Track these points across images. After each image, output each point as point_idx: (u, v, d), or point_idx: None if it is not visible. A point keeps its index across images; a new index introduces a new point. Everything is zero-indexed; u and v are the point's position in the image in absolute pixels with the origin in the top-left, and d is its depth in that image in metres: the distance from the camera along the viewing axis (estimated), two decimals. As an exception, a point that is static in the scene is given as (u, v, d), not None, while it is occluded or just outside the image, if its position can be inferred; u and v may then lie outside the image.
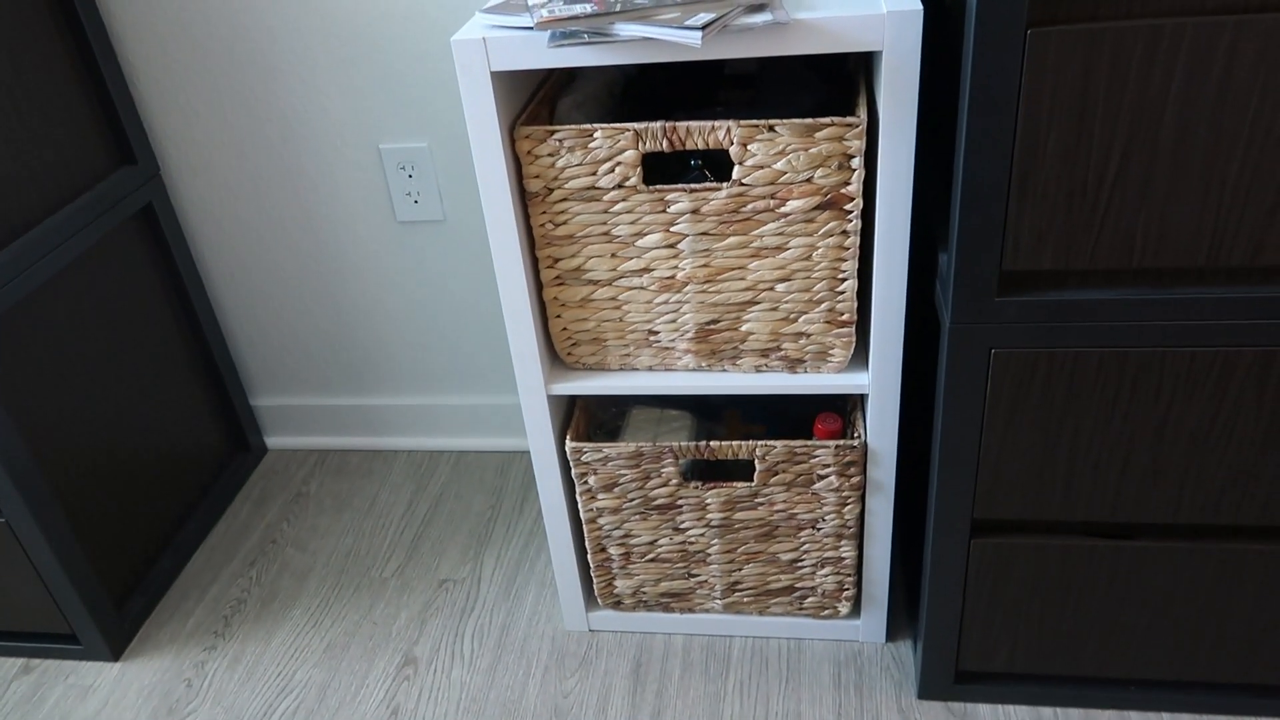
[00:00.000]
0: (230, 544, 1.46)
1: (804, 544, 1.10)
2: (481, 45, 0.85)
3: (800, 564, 1.12)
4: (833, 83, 0.98)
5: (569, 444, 1.07)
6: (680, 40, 0.78)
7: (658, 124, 0.88)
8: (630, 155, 0.89)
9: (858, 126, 0.85)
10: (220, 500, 1.52)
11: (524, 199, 0.95)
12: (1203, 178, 0.74)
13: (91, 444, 1.27)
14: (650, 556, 1.15)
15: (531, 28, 0.83)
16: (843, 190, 0.88)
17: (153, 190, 1.36)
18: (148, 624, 1.34)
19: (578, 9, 0.81)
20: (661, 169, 0.93)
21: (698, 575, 1.16)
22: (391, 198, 1.39)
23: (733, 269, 0.95)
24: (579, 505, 1.12)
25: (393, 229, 1.42)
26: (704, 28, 0.77)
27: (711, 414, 1.18)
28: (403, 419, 1.60)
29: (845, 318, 0.96)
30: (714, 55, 0.81)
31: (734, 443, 1.03)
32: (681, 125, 0.87)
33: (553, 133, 0.90)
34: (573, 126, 0.89)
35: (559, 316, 1.01)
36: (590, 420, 1.15)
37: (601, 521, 1.13)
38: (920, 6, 0.78)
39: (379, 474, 1.58)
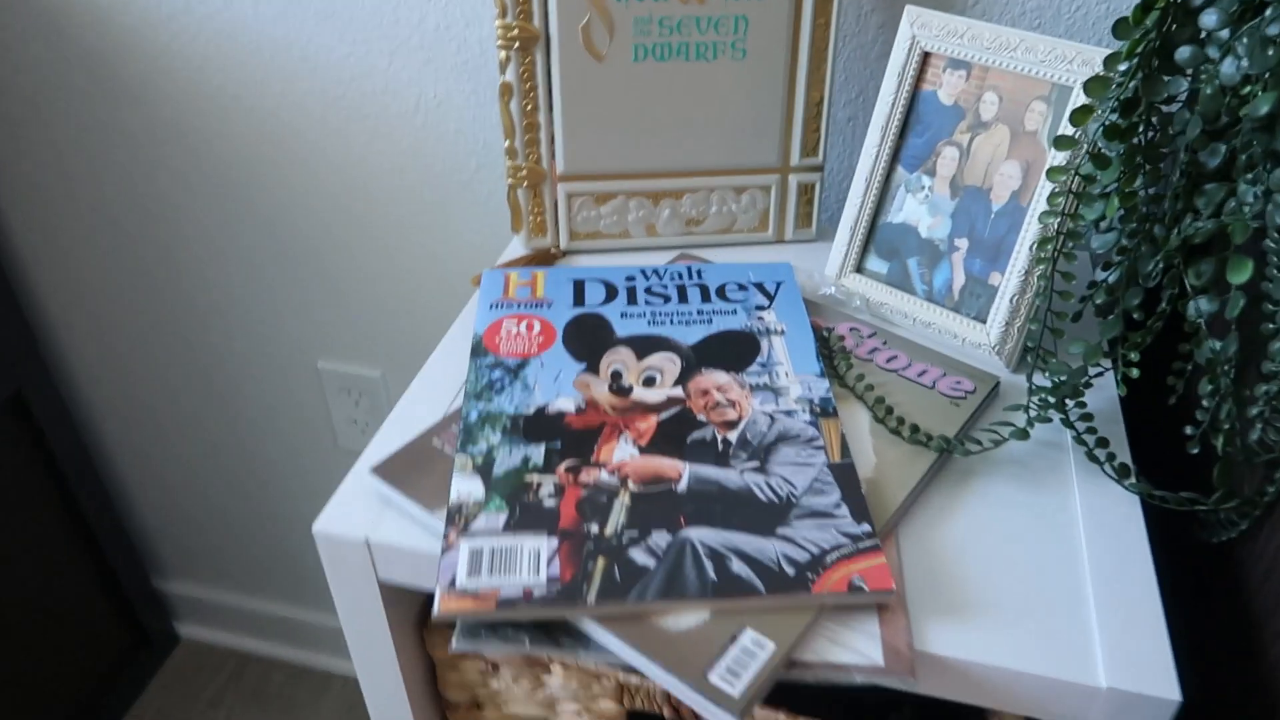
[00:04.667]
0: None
1: None
2: (365, 549, 0.48)
3: None
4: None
5: None
6: (704, 711, 0.41)
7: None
8: None
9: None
10: (112, 711, 1.23)
11: None
12: None
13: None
14: None
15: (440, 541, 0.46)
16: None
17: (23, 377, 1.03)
18: None
19: (527, 555, 0.44)
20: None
21: None
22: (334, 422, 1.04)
23: None
24: None
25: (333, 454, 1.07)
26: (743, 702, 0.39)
27: None
28: (341, 641, 1.28)
29: None
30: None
31: None
32: None
33: None
34: None
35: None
36: None
37: None
38: None
39: (303, 706, 1.26)
